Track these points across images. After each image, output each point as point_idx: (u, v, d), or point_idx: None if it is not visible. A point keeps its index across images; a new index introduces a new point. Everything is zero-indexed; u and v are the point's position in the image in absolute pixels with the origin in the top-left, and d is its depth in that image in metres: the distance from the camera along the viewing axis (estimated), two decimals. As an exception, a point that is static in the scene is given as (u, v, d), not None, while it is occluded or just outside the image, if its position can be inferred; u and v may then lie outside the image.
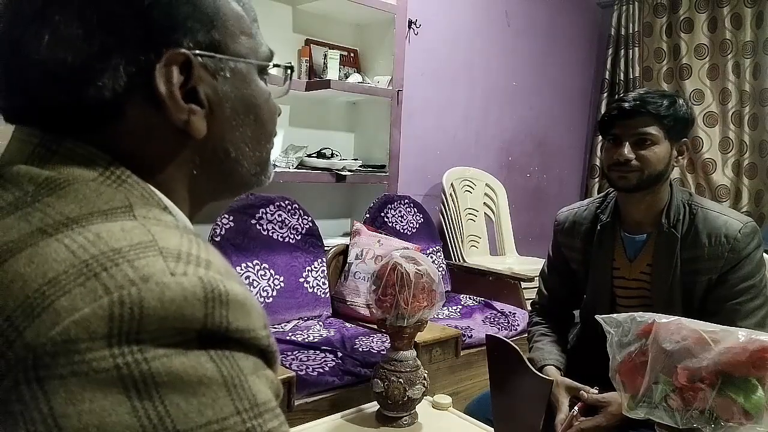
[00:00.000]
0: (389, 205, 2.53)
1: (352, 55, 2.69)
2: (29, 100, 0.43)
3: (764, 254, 1.26)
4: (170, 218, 0.42)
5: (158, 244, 0.36)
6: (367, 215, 2.47)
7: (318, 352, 1.79)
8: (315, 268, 2.18)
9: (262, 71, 0.51)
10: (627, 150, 1.21)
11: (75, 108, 0.42)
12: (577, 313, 1.52)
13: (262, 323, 0.38)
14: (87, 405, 0.31)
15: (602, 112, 3.87)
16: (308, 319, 2.10)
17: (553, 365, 1.33)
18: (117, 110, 0.43)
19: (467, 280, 2.70)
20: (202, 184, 0.48)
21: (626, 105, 1.21)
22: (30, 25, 0.41)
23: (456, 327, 2.10)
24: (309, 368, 1.66)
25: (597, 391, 1.22)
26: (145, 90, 0.42)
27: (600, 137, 1.57)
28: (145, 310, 0.32)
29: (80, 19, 0.41)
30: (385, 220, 2.49)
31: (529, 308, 1.58)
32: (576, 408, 1.20)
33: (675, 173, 3.62)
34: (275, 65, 0.53)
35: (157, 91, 0.42)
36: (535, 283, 1.67)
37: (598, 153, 3.88)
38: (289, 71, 0.56)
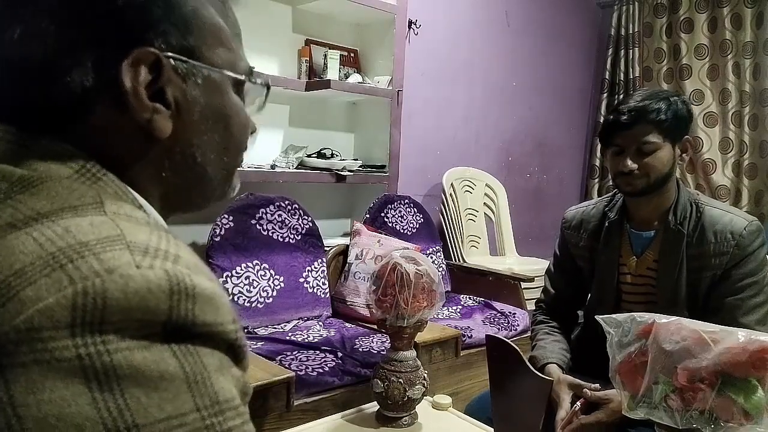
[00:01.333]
0: (389, 205, 2.53)
1: (352, 55, 2.69)
2: (1, 98, 0.44)
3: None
4: (142, 215, 0.42)
5: (126, 239, 0.36)
6: (367, 215, 2.47)
7: (318, 352, 1.79)
8: (315, 268, 2.18)
9: (239, 85, 0.51)
10: (630, 161, 1.23)
11: (46, 104, 0.42)
12: (580, 313, 1.52)
13: (231, 318, 0.38)
14: (47, 394, 0.31)
15: (602, 112, 3.89)
16: (308, 319, 2.10)
17: (555, 363, 1.33)
18: (87, 107, 0.43)
19: (467, 280, 2.70)
20: (172, 188, 0.49)
21: (624, 118, 1.22)
22: (3, 21, 0.42)
23: (456, 327, 2.10)
24: (309, 368, 1.66)
25: (599, 388, 1.22)
26: (114, 88, 0.42)
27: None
28: (108, 300, 0.33)
29: (51, 14, 0.41)
30: (385, 220, 2.49)
31: (534, 306, 1.58)
32: (578, 404, 1.20)
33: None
34: (252, 81, 0.53)
35: (122, 88, 0.42)
36: (535, 284, 1.68)
37: (598, 153, 3.88)
38: (266, 89, 0.55)
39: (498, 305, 2.39)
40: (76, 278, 0.33)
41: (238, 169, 0.55)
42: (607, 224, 1.36)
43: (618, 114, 1.24)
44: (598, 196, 1.84)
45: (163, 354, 0.34)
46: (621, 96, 3.77)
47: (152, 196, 0.48)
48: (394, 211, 2.54)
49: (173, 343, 0.34)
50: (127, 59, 0.42)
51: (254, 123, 0.55)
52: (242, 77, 0.51)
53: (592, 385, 1.23)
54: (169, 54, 0.44)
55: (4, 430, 0.31)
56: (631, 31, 3.79)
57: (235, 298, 1.93)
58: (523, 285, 2.52)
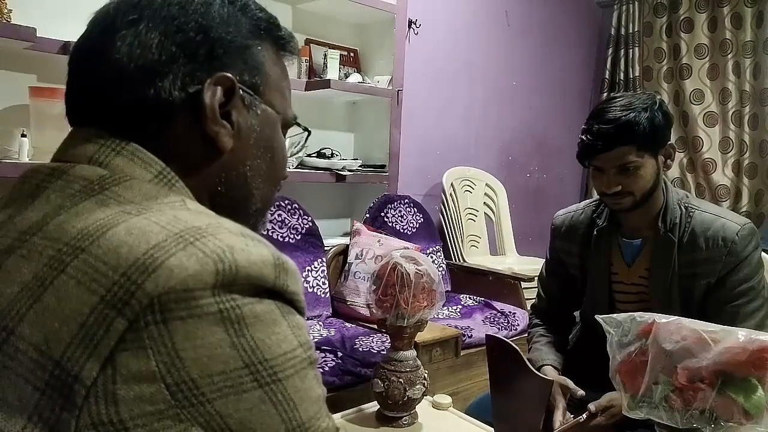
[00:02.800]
0: (389, 205, 2.53)
1: (352, 55, 2.69)
2: (98, 100, 0.52)
3: (763, 255, 1.26)
4: (211, 212, 0.50)
5: (223, 225, 0.45)
6: (367, 215, 2.47)
7: (318, 352, 1.79)
8: (315, 268, 2.18)
9: (285, 126, 0.62)
10: (612, 181, 1.19)
11: (136, 108, 0.50)
12: (577, 313, 1.52)
13: (302, 290, 0.49)
14: (200, 340, 0.40)
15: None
16: (308, 319, 2.10)
17: (550, 365, 1.33)
18: (171, 115, 0.51)
19: (467, 280, 2.70)
20: (221, 201, 0.56)
21: (599, 145, 1.17)
22: (120, 32, 0.51)
23: (456, 327, 2.10)
24: (309, 368, 1.66)
25: (584, 394, 1.21)
26: (193, 102, 0.51)
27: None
28: (239, 268, 0.42)
29: (160, 30, 0.51)
30: (385, 220, 2.49)
31: (530, 310, 1.58)
32: (583, 416, 1.18)
33: (675, 173, 3.62)
34: (297, 124, 0.65)
35: (202, 102, 0.51)
36: (535, 283, 1.67)
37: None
38: (306, 133, 0.70)
39: (498, 305, 2.39)
40: (208, 252, 0.41)
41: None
42: (596, 232, 1.34)
43: (593, 137, 1.17)
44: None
45: (271, 306, 0.44)
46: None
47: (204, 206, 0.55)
48: (394, 210, 2.54)
49: (276, 300, 0.45)
50: (211, 78, 0.52)
51: (286, 170, 0.65)
52: (290, 119, 0.62)
53: (579, 392, 1.22)
54: (240, 85, 0.54)
55: (171, 369, 0.39)
56: (631, 31, 3.79)
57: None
58: (523, 285, 2.52)
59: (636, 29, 3.78)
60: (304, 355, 0.45)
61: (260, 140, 0.57)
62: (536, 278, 1.65)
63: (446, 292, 2.44)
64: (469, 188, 3.12)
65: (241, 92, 0.54)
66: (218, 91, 0.52)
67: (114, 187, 0.47)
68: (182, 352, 0.39)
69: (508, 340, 1.12)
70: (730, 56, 3.47)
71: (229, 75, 0.53)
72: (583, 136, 1.21)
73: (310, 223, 2.22)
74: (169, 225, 0.43)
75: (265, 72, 0.57)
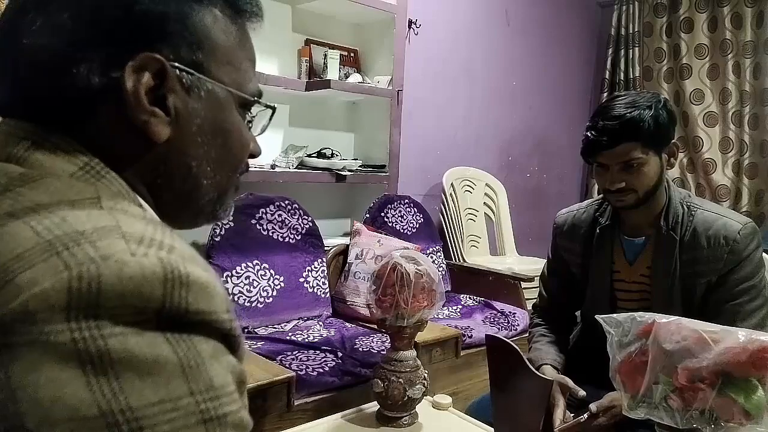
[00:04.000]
0: (389, 205, 2.53)
1: (352, 55, 2.69)
2: (16, 90, 0.46)
3: (764, 254, 1.26)
4: (139, 211, 0.43)
5: (121, 229, 0.37)
6: (367, 215, 2.47)
7: (318, 352, 1.79)
8: (315, 268, 2.18)
9: (244, 105, 0.53)
10: (616, 177, 1.19)
11: (55, 98, 0.44)
12: (578, 313, 1.52)
13: (225, 307, 0.38)
14: (43, 376, 0.31)
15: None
16: (308, 319, 2.10)
17: (550, 365, 1.33)
18: (94, 104, 0.45)
19: (467, 280, 2.70)
20: (163, 197, 0.50)
21: (604, 140, 1.17)
22: (28, 14, 0.45)
23: (456, 327, 2.10)
24: (309, 368, 1.66)
25: (585, 395, 1.21)
26: (119, 88, 0.44)
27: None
28: (103, 285, 0.33)
29: (71, 9, 0.44)
30: (385, 220, 2.49)
31: (530, 310, 1.58)
32: (584, 416, 1.18)
33: (675, 173, 3.62)
34: (257, 102, 0.54)
35: (123, 87, 0.44)
36: (535, 283, 1.68)
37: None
38: (270, 111, 0.57)
39: (498, 305, 2.39)
40: (71, 264, 0.33)
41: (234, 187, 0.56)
42: (598, 230, 1.34)
43: (598, 134, 1.18)
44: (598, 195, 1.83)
45: (156, 339, 0.34)
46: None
47: (145, 199, 0.49)
48: (394, 210, 2.54)
49: (167, 331, 0.35)
50: (133, 61, 0.44)
51: (257, 147, 0.56)
52: (247, 96, 0.52)
53: (580, 392, 1.22)
54: (176, 65, 0.46)
55: (1, 410, 0.31)
56: (631, 31, 3.79)
57: (235, 298, 1.93)
58: (523, 285, 2.52)
59: (636, 29, 3.78)
60: (196, 407, 0.34)
61: (206, 125, 0.49)
62: (536, 278, 1.65)
63: (446, 292, 2.45)
64: (469, 188, 3.12)
65: (177, 73, 0.46)
66: (145, 75, 0.44)
67: (20, 187, 0.40)
68: (18, 390, 0.31)
69: (508, 340, 1.12)
70: (730, 56, 3.47)
71: (157, 56, 0.45)
72: (587, 133, 1.21)
73: (310, 224, 2.22)
74: (47, 229, 0.36)
75: (212, 43, 0.48)
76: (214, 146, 0.50)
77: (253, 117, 0.56)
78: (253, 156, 0.56)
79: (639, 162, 1.18)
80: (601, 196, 1.40)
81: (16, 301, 0.32)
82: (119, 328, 0.33)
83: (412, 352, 1.22)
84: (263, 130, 0.58)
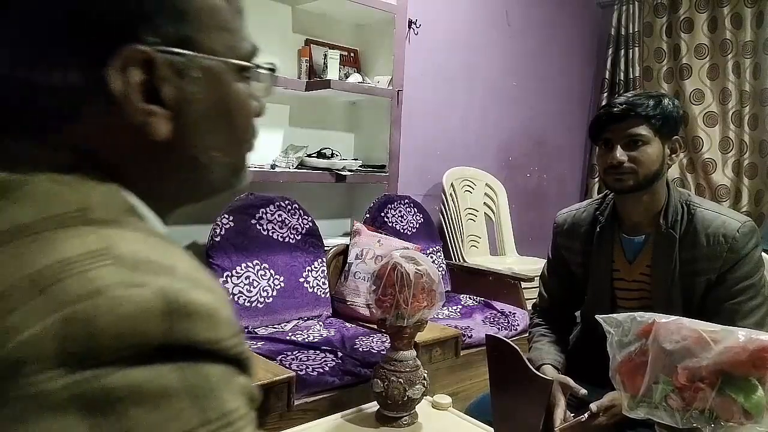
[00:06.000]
0: (389, 205, 2.53)
1: (352, 55, 2.69)
2: None
3: (763, 253, 1.26)
4: (132, 219, 0.40)
5: (113, 252, 0.33)
6: (367, 215, 2.47)
7: (318, 352, 1.79)
8: (315, 268, 2.18)
9: (242, 69, 0.47)
10: (619, 153, 1.22)
11: (27, 109, 0.40)
12: (578, 313, 1.52)
13: (231, 332, 0.35)
14: (33, 430, 0.28)
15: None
16: (308, 319, 2.10)
17: (550, 365, 1.33)
18: (77, 108, 0.40)
19: (467, 280, 2.70)
20: (171, 191, 0.46)
21: (615, 110, 1.23)
22: None
23: (456, 327, 2.10)
24: (309, 368, 1.66)
25: (586, 393, 1.22)
26: (104, 88, 0.40)
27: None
28: (97, 328, 0.30)
29: (21, 14, 0.39)
30: (385, 220, 2.49)
31: (530, 309, 1.58)
32: (585, 415, 1.18)
33: (675, 173, 3.62)
34: (256, 66, 0.48)
35: (111, 91, 0.39)
36: (535, 283, 1.68)
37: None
38: (271, 72, 0.51)
39: (498, 305, 2.39)
40: (60, 302, 0.30)
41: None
42: (598, 229, 1.35)
43: (609, 107, 1.25)
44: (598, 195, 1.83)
45: (161, 370, 0.31)
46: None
47: (153, 196, 0.45)
48: (394, 210, 2.54)
49: (171, 360, 0.32)
50: (116, 61, 0.39)
51: (260, 106, 0.51)
52: (245, 63, 0.47)
53: (582, 391, 1.23)
54: (162, 49, 0.40)
55: None
56: (631, 31, 3.79)
57: (235, 298, 1.93)
58: (523, 285, 2.52)
59: (636, 29, 3.78)
60: None
61: (210, 108, 0.44)
62: (536, 278, 1.65)
63: (446, 292, 2.45)
64: (469, 188, 3.12)
65: (165, 57, 0.41)
66: (132, 72, 0.39)
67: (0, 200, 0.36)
68: None
69: (508, 340, 1.12)
70: (730, 56, 3.47)
71: (140, 47, 0.39)
72: (598, 113, 1.29)
73: (310, 224, 2.22)
74: (30, 262, 0.32)
75: (194, 12, 0.42)
76: (220, 130, 0.46)
77: (255, 70, 0.49)
78: (258, 116, 0.50)
79: (643, 140, 1.21)
80: (601, 195, 1.41)
81: (5, 349, 0.29)
82: (120, 371, 0.30)
83: (412, 352, 1.22)
84: (268, 93, 0.52)
